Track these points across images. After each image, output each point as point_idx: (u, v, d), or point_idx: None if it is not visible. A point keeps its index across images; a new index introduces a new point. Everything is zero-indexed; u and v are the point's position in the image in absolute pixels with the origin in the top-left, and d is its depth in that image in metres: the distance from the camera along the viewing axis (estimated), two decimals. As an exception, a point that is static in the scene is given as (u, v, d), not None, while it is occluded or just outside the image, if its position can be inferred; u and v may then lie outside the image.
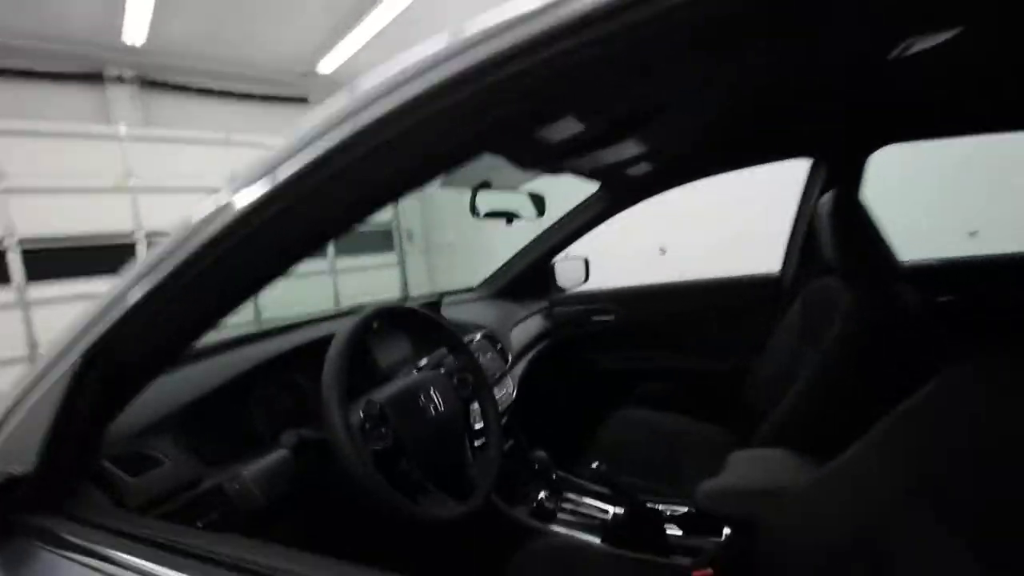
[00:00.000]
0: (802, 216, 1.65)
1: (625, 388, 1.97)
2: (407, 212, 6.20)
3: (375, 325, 1.17)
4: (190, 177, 4.16)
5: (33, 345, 3.59)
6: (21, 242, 3.51)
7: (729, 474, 1.03)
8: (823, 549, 0.60)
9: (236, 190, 0.50)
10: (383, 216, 6.05)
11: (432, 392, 0.92)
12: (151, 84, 5.00)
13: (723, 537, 1.12)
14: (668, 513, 1.21)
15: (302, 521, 0.81)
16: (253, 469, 0.78)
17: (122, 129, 4.03)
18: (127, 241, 3.96)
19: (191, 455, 0.75)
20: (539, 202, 1.33)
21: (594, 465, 1.08)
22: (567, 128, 0.87)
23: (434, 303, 1.44)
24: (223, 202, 0.50)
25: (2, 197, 3.44)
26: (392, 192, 0.52)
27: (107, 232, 3.86)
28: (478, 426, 1.05)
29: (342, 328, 0.82)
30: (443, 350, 1.07)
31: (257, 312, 4.90)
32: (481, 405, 1.04)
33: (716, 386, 1.82)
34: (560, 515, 1.25)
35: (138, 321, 0.55)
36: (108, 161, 3.87)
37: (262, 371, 0.90)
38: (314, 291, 5.39)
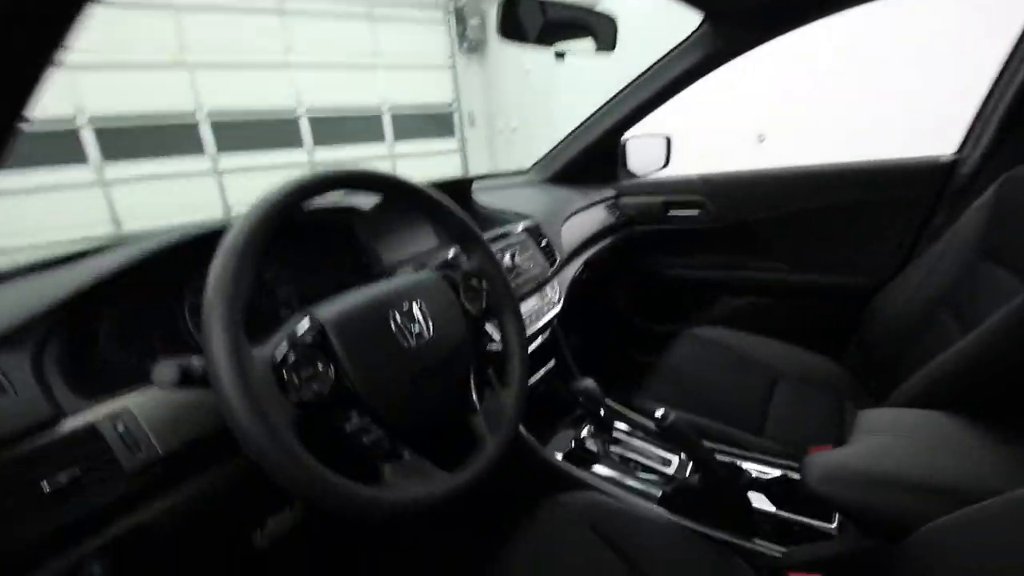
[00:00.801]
0: (1011, 72, 1.09)
1: (706, 303, 1.61)
2: (469, 94, 5.68)
3: (374, 205, 0.86)
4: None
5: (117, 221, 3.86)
6: (92, 120, 3.69)
7: (868, 449, 0.69)
8: None
9: None
10: (443, 98, 5.59)
11: (415, 306, 0.61)
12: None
13: (833, 523, 0.80)
14: (752, 475, 0.90)
15: (219, 480, 0.57)
16: (149, 403, 0.54)
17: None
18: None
19: (55, 381, 0.51)
20: (607, 28, 0.86)
21: (659, 413, 0.77)
22: None
23: (459, 182, 1.09)
24: None
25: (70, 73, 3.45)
26: None
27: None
28: (495, 347, 0.75)
29: (254, 202, 0.51)
30: (457, 247, 0.75)
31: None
32: (500, 325, 0.73)
33: (828, 308, 1.42)
34: (606, 461, 0.98)
35: None
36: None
37: (181, 258, 0.62)
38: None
